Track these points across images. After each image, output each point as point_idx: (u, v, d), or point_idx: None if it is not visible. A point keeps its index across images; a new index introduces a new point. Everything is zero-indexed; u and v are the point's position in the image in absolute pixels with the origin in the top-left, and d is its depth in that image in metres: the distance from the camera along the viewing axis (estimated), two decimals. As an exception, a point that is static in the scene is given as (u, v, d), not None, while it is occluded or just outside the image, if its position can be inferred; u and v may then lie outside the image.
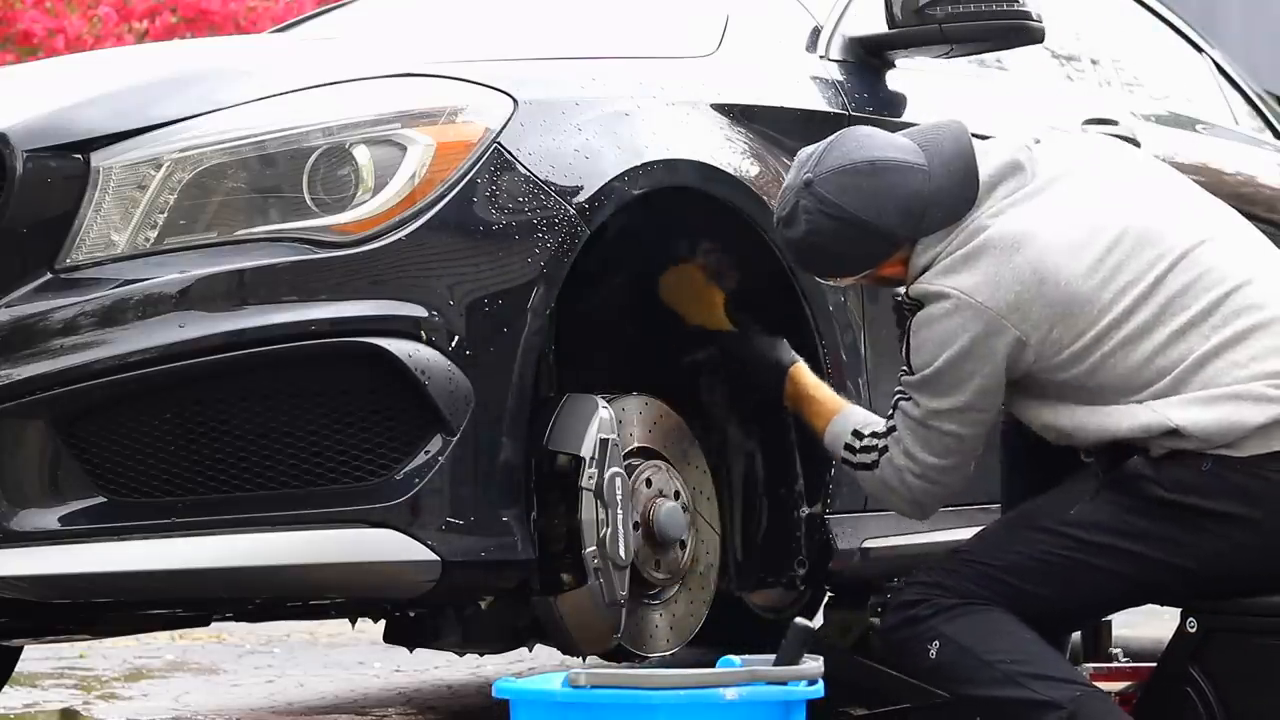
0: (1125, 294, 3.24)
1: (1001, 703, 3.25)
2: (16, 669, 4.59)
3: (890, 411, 3.41)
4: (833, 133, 3.97)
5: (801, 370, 3.63)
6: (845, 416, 3.54)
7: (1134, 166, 3.48)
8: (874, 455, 3.43)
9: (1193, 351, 3.23)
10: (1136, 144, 4.66)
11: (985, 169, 3.33)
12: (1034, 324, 3.23)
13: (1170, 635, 3.38)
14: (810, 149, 3.39)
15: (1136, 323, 3.23)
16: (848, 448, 3.49)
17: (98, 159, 3.27)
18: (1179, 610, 3.40)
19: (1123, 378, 3.24)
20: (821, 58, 4.15)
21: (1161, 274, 3.25)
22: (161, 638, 6.28)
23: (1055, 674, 3.25)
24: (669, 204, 3.61)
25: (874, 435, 3.45)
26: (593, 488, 3.38)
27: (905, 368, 3.36)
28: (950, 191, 3.31)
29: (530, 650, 3.91)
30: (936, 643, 3.30)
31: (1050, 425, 3.33)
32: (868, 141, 3.37)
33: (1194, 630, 3.34)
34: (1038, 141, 3.38)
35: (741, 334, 3.69)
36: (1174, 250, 3.27)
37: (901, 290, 3.43)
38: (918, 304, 3.32)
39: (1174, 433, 3.21)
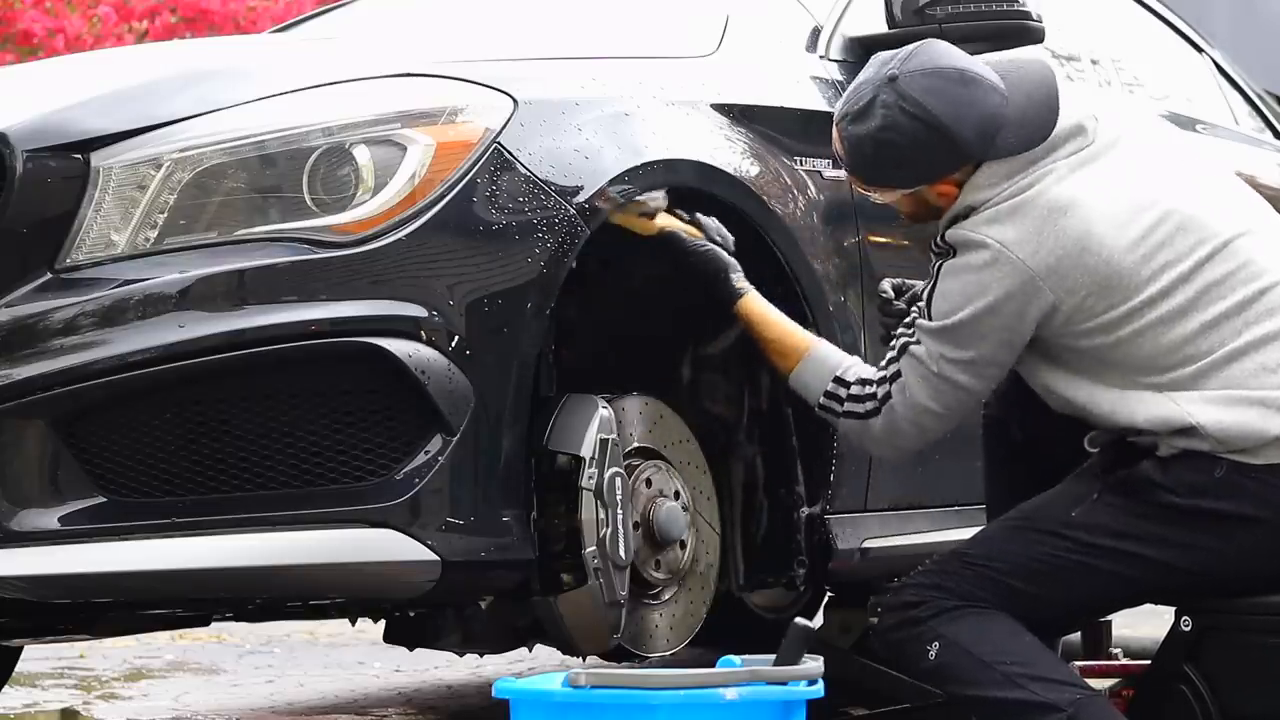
0: (1164, 273, 3.21)
1: (1001, 704, 3.24)
2: (16, 669, 4.59)
3: (892, 354, 3.34)
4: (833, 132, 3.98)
5: (751, 303, 3.50)
6: (817, 358, 3.45)
7: (1181, 149, 3.46)
8: (872, 404, 3.34)
9: (1224, 344, 3.20)
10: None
11: (1063, 128, 3.28)
12: (1069, 290, 3.20)
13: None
14: (889, 53, 3.34)
15: (1172, 305, 3.21)
16: (830, 395, 3.39)
17: (98, 159, 3.27)
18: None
19: (1148, 358, 3.21)
20: (821, 58, 4.15)
21: (1201, 260, 3.22)
22: (161, 638, 6.28)
23: (1055, 677, 3.25)
24: (669, 203, 3.61)
25: (864, 382, 3.37)
26: (593, 488, 3.38)
27: (922, 312, 3.30)
28: (1027, 121, 3.26)
29: (530, 650, 3.91)
30: (936, 644, 3.29)
31: (1060, 394, 3.29)
32: (955, 53, 3.33)
33: (1188, 629, 3.33)
34: (1096, 119, 3.33)
35: (682, 250, 3.53)
36: (1216, 238, 3.24)
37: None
38: (949, 250, 3.28)
39: (1190, 431, 3.19)
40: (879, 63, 3.32)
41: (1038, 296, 3.20)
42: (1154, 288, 3.21)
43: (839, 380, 3.39)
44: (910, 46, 3.33)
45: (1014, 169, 3.26)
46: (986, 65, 3.33)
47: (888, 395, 3.33)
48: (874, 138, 3.28)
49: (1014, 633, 3.27)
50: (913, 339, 3.31)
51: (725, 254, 3.53)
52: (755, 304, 3.51)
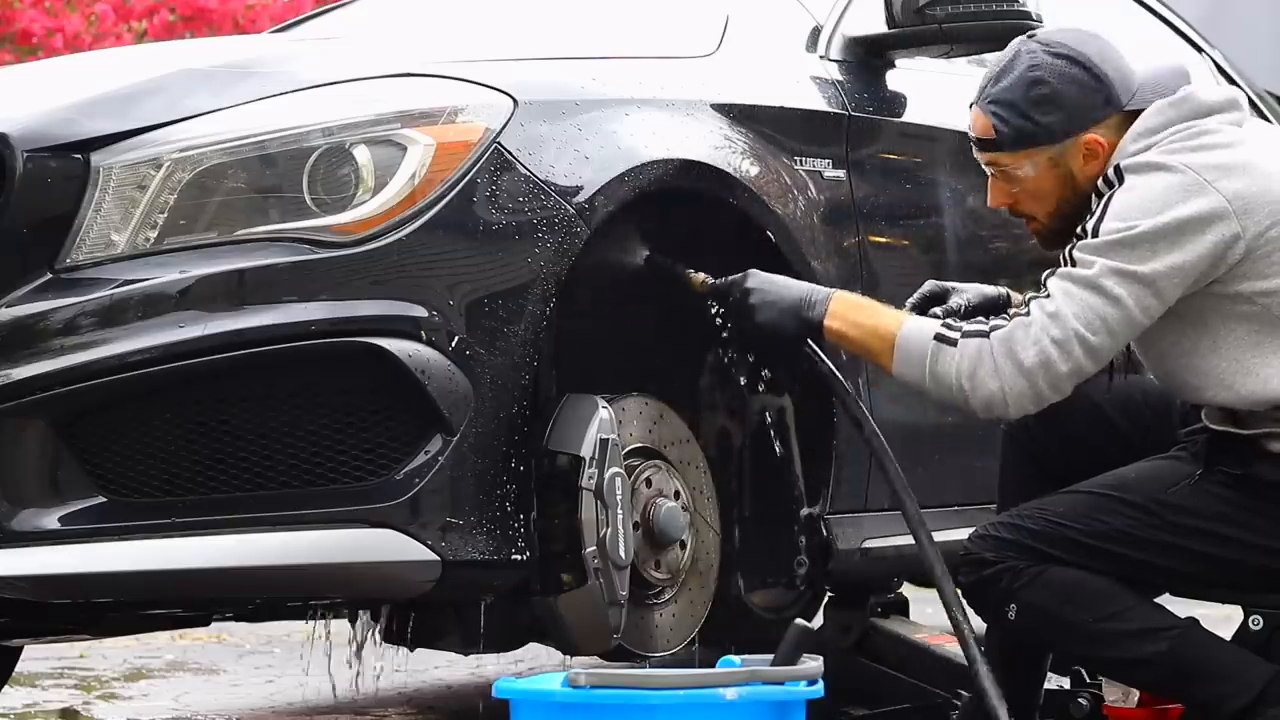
0: None
1: (1099, 663, 3.31)
2: (16, 669, 4.58)
3: (1028, 298, 3.25)
4: (833, 132, 3.98)
5: (833, 321, 3.36)
6: (922, 317, 3.34)
7: None
8: (1000, 320, 3.25)
9: None
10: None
11: (1208, 96, 3.26)
12: (1255, 219, 3.14)
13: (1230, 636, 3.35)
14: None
15: None
16: (946, 325, 3.25)
17: (98, 159, 3.27)
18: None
19: None
20: (821, 58, 4.15)
21: None
22: (161, 638, 6.27)
23: (1142, 625, 3.23)
24: (669, 204, 3.61)
25: (979, 316, 3.30)
26: (593, 488, 3.39)
27: (1084, 235, 3.19)
28: (1158, 81, 3.26)
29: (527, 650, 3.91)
30: (1013, 606, 3.27)
31: (1209, 371, 3.20)
32: None
33: (1258, 628, 3.31)
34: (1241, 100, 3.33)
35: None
36: None
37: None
38: (1120, 179, 3.20)
39: None
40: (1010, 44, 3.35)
41: (1223, 222, 3.13)
42: None
43: (948, 325, 3.28)
44: None
45: (1170, 119, 3.22)
46: None
47: (1024, 313, 3.20)
48: (1023, 79, 3.26)
49: (1092, 587, 3.25)
50: (1061, 269, 3.20)
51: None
52: (836, 321, 3.37)
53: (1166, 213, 3.14)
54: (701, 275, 3.56)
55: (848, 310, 3.38)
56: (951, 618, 3.36)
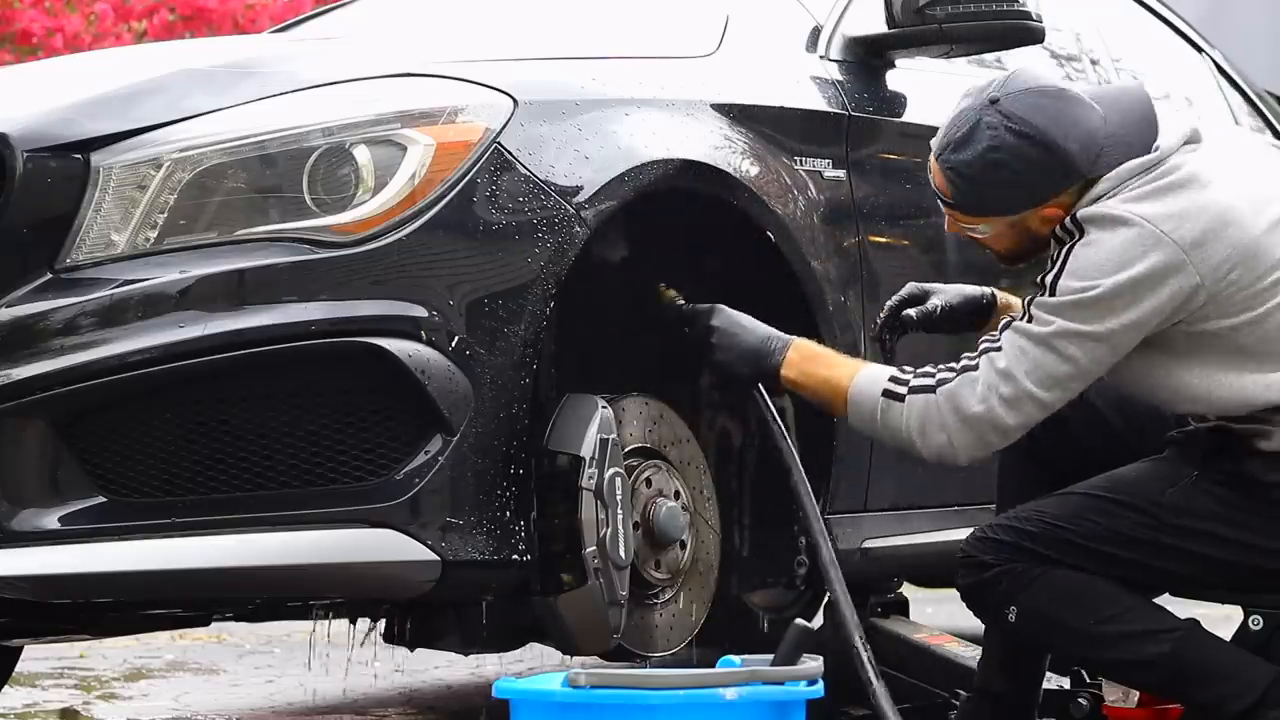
0: None
1: (1098, 664, 3.32)
2: (16, 669, 4.58)
3: (978, 349, 3.25)
4: (833, 132, 3.97)
5: (790, 367, 3.43)
6: (876, 366, 3.38)
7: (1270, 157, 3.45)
8: (947, 375, 3.25)
9: None
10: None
11: (1170, 136, 3.24)
12: (1213, 265, 3.13)
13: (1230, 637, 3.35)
14: (983, 81, 3.31)
15: None
16: (894, 380, 3.29)
17: (98, 159, 3.27)
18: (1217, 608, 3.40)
19: None
20: (821, 58, 4.15)
21: None
22: (161, 638, 6.28)
23: (1143, 627, 3.24)
24: (669, 204, 3.61)
25: (928, 375, 3.28)
26: (593, 488, 3.39)
27: (1042, 291, 3.20)
28: (1125, 139, 3.22)
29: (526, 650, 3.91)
30: (1013, 609, 3.28)
31: (1179, 387, 3.22)
32: (1050, 75, 3.34)
33: (1258, 628, 3.31)
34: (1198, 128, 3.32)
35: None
36: None
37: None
38: (1078, 230, 3.19)
39: None
40: (974, 91, 3.29)
41: (1181, 274, 3.13)
42: None
43: (895, 379, 3.30)
44: (1003, 73, 3.32)
45: (1134, 169, 3.21)
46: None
47: (973, 366, 3.22)
48: (982, 159, 3.23)
49: (1093, 590, 3.25)
50: (1016, 323, 3.22)
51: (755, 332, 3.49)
52: (791, 370, 3.43)
53: (1124, 271, 3.14)
54: (673, 291, 3.60)
55: (804, 360, 3.43)
56: (854, 648, 3.41)
